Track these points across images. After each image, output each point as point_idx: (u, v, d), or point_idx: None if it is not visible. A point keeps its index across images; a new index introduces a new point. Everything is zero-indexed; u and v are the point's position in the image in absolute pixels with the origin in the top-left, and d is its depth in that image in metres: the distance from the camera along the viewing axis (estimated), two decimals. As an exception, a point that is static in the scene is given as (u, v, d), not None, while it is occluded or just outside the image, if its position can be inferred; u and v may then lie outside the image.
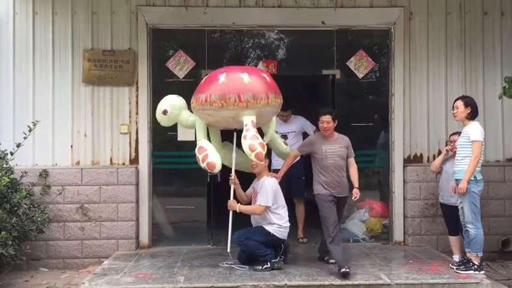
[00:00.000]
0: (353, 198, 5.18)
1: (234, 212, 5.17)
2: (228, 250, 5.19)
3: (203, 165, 4.91)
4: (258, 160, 4.78)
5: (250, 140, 4.70)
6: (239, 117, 4.86)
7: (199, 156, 4.92)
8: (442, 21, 6.41)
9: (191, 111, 5.20)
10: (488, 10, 6.45)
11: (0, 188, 5.08)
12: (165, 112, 5.18)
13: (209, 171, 5.04)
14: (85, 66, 6.17)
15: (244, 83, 4.85)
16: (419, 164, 6.33)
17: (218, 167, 4.91)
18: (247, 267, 5.12)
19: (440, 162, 5.63)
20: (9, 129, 6.02)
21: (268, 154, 5.81)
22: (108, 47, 6.21)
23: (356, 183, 5.22)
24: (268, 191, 5.12)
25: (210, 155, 4.89)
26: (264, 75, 5.09)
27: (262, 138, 4.98)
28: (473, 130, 5.00)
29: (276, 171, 6.03)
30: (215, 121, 5.03)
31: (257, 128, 5.21)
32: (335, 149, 5.20)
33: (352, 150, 5.33)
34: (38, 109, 6.12)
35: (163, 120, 5.28)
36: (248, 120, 4.82)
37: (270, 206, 5.10)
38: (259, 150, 4.68)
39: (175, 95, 5.31)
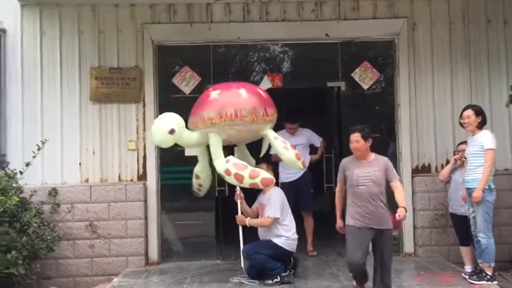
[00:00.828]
0: (396, 216, 4.42)
1: (244, 226, 5.16)
2: (242, 265, 5.17)
3: (252, 181, 4.68)
4: (303, 167, 5.14)
5: (294, 150, 5.01)
6: (263, 130, 4.97)
7: (243, 173, 4.67)
8: (446, 31, 6.43)
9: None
10: (491, 18, 6.45)
11: (10, 207, 5.11)
12: (172, 131, 4.76)
13: (266, 187, 4.94)
14: (92, 84, 6.23)
15: (263, 97, 5.02)
16: (427, 174, 6.30)
17: (274, 180, 4.94)
18: (257, 282, 5.10)
19: (449, 171, 5.60)
20: (18, 148, 6.07)
21: (275, 167, 5.82)
22: (115, 64, 6.28)
23: (402, 203, 4.48)
24: (276, 202, 5.12)
25: (260, 171, 4.79)
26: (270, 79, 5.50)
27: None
28: (486, 138, 4.99)
29: (284, 184, 6.03)
30: (238, 136, 4.99)
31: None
32: (368, 172, 4.45)
33: (395, 172, 4.62)
34: (47, 128, 6.17)
35: (166, 141, 4.85)
36: (274, 133, 5.06)
37: (278, 217, 5.09)
38: (304, 159, 5.01)
39: (173, 113, 4.99)
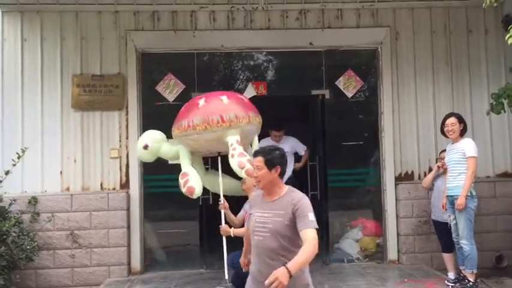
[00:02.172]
0: None
1: (228, 236, 5.11)
2: (226, 277, 5.10)
3: (184, 190, 4.87)
4: (248, 176, 4.71)
5: (238, 158, 4.68)
6: (224, 138, 4.86)
7: (181, 182, 4.89)
8: (428, 40, 6.51)
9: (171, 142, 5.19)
10: (472, 28, 6.56)
11: (-12, 216, 5.01)
12: (146, 147, 5.11)
13: (189, 196, 4.92)
14: (74, 91, 6.15)
15: (225, 104, 4.93)
16: (410, 182, 6.34)
17: (197, 192, 4.86)
18: (242, 290, 5.05)
19: (431, 178, 5.65)
20: (-2, 156, 5.95)
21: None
22: (98, 71, 6.21)
23: (292, 265, 2.78)
24: None
25: (191, 180, 4.85)
26: (241, 96, 5.23)
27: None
28: (468, 146, 5.06)
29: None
30: (199, 146, 5.01)
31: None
32: (266, 218, 3.06)
33: (309, 218, 2.94)
34: (27, 135, 6.06)
35: (144, 155, 5.20)
36: (233, 140, 4.82)
37: None
38: (249, 167, 4.62)
39: (155, 130, 5.24)
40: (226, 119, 4.81)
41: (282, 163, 3.19)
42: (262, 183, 3.17)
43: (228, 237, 5.13)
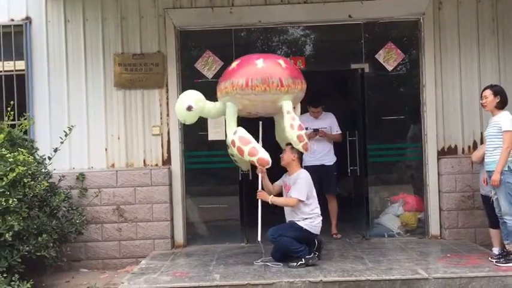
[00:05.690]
0: None
1: (265, 204, 5.17)
2: (259, 238, 5.09)
3: (250, 158, 4.80)
4: (304, 150, 4.85)
5: (298, 131, 4.77)
6: (279, 101, 4.90)
7: (244, 148, 4.79)
8: (473, 10, 6.26)
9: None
10: (521, -5, 6.26)
11: (40, 192, 5.24)
12: (189, 108, 4.97)
13: (260, 166, 4.92)
14: (116, 70, 6.29)
15: (283, 67, 4.96)
16: (454, 156, 6.20)
17: (270, 163, 4.82)
18: (282, 264, 5.13)
19: (483, 152, 5.48)
20: (46, 135, 6.20)
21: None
22: (138, 50, 6.32)
23: None
24: (302, 184, 5.13)
25: (259, 149, 4.82)
26: (292, 61, 5.21)
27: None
28: (505, 120, 4.90)
29: (308, 167, 5.99)
30: (253, 106, 4.99)
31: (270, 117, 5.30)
32: None
33: None
34: (73, 114, 6.27)
35: (188, 117, 5.07)
36: (289, 106, 4.87)
37: (304, 200, 5.10)
38: (306, 141, 4.77)
39: (192, 90, 5.19)
40: (285, 83, 4.85)
41: None
42: None
43: (266, 211, 5.19)
